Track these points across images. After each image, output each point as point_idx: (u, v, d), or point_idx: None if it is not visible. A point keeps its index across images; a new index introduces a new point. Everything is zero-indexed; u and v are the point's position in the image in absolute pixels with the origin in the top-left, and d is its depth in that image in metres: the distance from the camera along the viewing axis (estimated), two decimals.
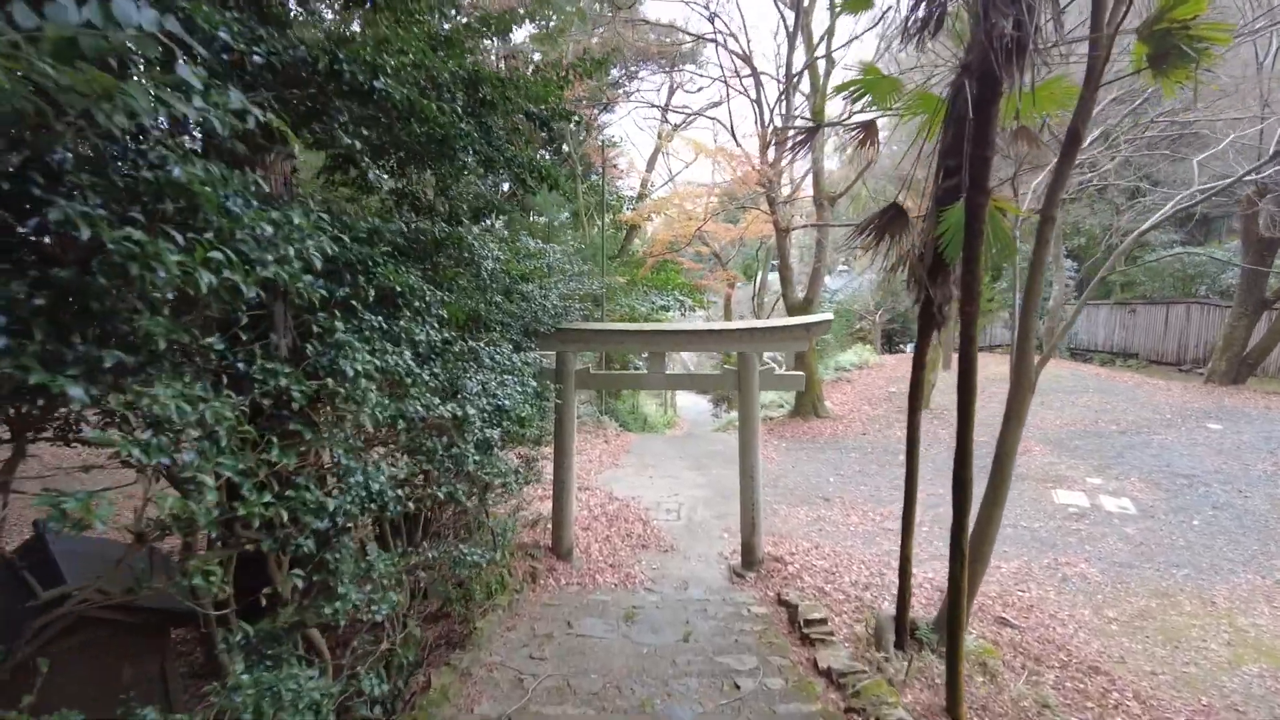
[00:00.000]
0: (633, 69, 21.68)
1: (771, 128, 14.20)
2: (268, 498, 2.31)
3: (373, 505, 2.91)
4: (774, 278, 34.54)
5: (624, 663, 5.62)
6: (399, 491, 3.08)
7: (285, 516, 2.35)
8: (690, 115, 21.12)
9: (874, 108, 6.25)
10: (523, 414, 5.18)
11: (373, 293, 3.21)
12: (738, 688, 5.13)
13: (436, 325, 3.64)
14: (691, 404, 31.75)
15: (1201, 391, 16.68)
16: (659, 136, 21.42)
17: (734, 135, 15.45)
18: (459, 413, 3.60)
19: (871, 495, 11.20)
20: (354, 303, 3.07)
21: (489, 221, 5.63)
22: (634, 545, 9.36)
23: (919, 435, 6.09)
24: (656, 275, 20.58)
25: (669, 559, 9.00)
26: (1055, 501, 10.76)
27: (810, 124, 13.38)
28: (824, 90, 14.00)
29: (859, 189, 21.50)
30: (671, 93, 22.55)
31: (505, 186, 7.00)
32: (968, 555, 5.37)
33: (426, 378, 3.29)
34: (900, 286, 31.49)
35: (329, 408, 2.69)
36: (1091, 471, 11.81)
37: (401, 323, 3.30)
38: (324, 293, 2.77)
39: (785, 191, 15.02)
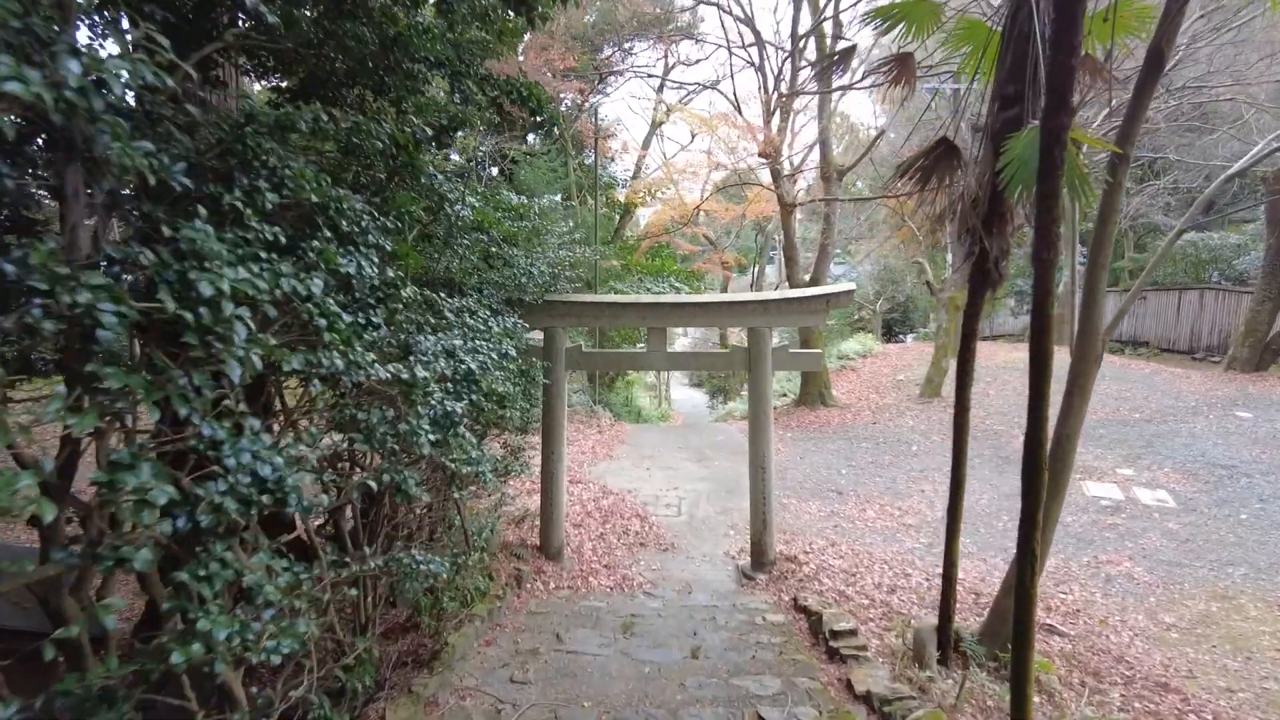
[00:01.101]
0: (627, 45, 20.73)
1: (776, 95, 13.30)
2: (27, 480, 1.42)
3: (264, 498, 2.01)
4: (771, 270, 33.72)
5: (623, 687, 4.74)
6: (309, 478, 2.19)
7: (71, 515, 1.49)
8: (690, 90, 20.17)
9: (911, 39, 5.39)
10: (499, 388, 4.28)
11: (274, 198, 2.29)
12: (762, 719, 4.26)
13: (377, 261, 2.74)
14: (686, 397, 30.87)
15: (1223, 379, 15.92)
16: (655, 108, 20.45)
17: (738, 106, 14.52)
18: (404, 375, 2.70)
19: (888, 488, 10.35)
20: (242, 206, 2.15)
21: (462, 183, 4.66)
22: (631, 543, 8.48)
23: (968, 419, 5.22)
24: (651, 261, 19.67)
25: (670, 559, 8.13)
26: (1086, 494, 9.94)
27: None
28: (831, 57, 13.09)
29: (853, 181, 20.68)
30: (668, 70, 21.59)
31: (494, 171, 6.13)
32: (1039, 557, 4.51)
33: (348, 322, 2.35)
34: (900, 275, 30.74)
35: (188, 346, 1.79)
36: (1121, 462, 10.99)
37: (316, 243, 2.39)
38: (187, 183, 1.87)
39: (789, 165, 14.14)
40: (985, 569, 7.83)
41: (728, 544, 8.52)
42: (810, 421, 13.97)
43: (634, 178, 21.15)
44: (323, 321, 2.26)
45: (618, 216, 22.08)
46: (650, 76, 19.72)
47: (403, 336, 3.12)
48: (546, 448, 7.50)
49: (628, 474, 11.13)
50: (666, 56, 20.39)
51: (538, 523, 7.87)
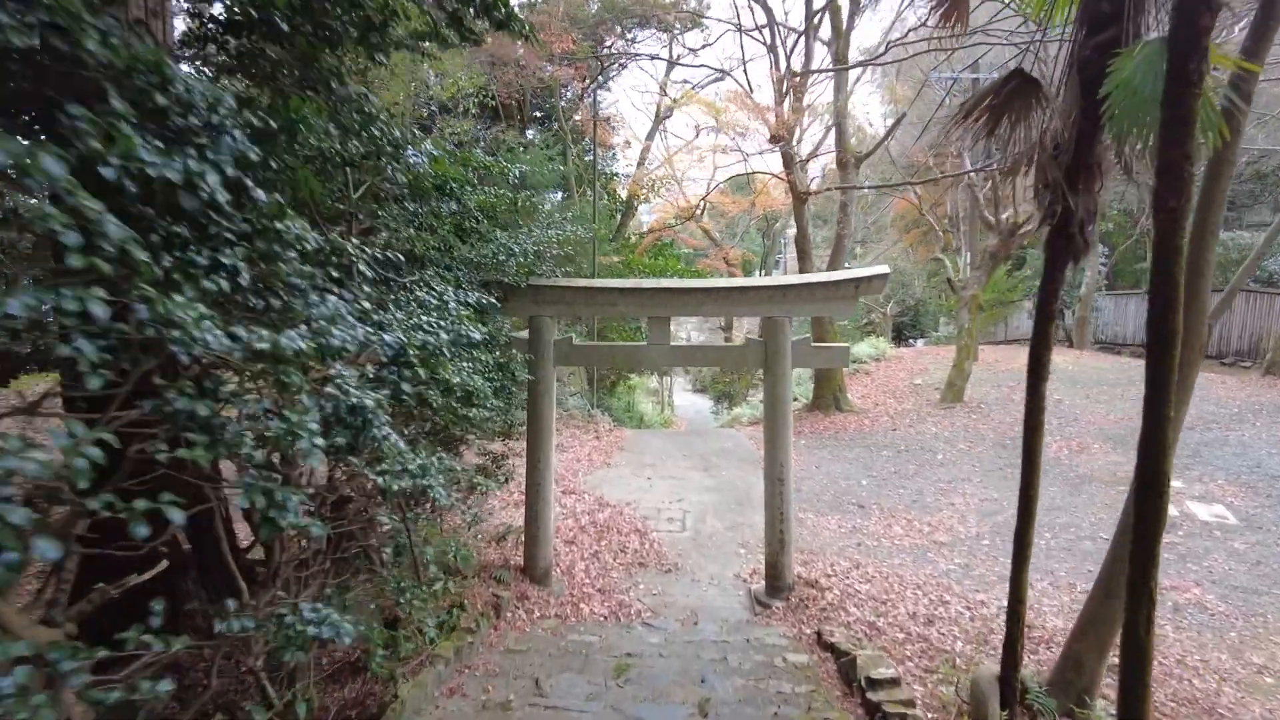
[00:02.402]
0: (630, 35, 19.86)
1: (788, 74, 12.36)
2: None
3: None
4: (777, 275, 32.75)
5: None
6: (28, 512, 1.24)
7: None
8: (694, 85, 19.28)
9: None
10: (457, 380, 3.34)
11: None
12: None
13: (236, 174, 1.81)
14: (689, 403, 29.88)
15: (1262, 384, 14.94)
16: (659, 98, 19.54)
17: (749, 88, 13.53)
18: (261, 344, 1.75)
19: (914, 501, 9.36)
20: None
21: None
22: (629, 563, 7.52)
23: (1043, 422, 4.25)
24: (654, 260, 18.76)
25: (673, 581, 7.17)
26: None
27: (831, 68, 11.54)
28: (846, 35, 12.19)
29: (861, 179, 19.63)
30: (672, 64, 20.72)
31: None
32: (1135, 592, 3.52)
33: (131, 241, 1.41)
34: (909, 278, 29.73)
35: None
36: None
37: (77, 109, 1.47)
38: None
39: (802, 152, 13.20)
40: (1034, 596, 6.82)
41: (738, 564, 7.55)
42: (825, 427, 12.99)
43: (638, 166, 20.20)
44: (74, 237, 1.33)
45: (618, 215, 21.16)
46: (655, 59, 18.81)
47: (280, 295, 2.17)
48: (532, 455, 6.55)
49: (627, 483, 10.16)
50: (671, 45, 19.53)
51: (523, 540, 6.92)
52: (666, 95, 20.56)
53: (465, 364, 4.22)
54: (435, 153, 3.79)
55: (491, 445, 6.69)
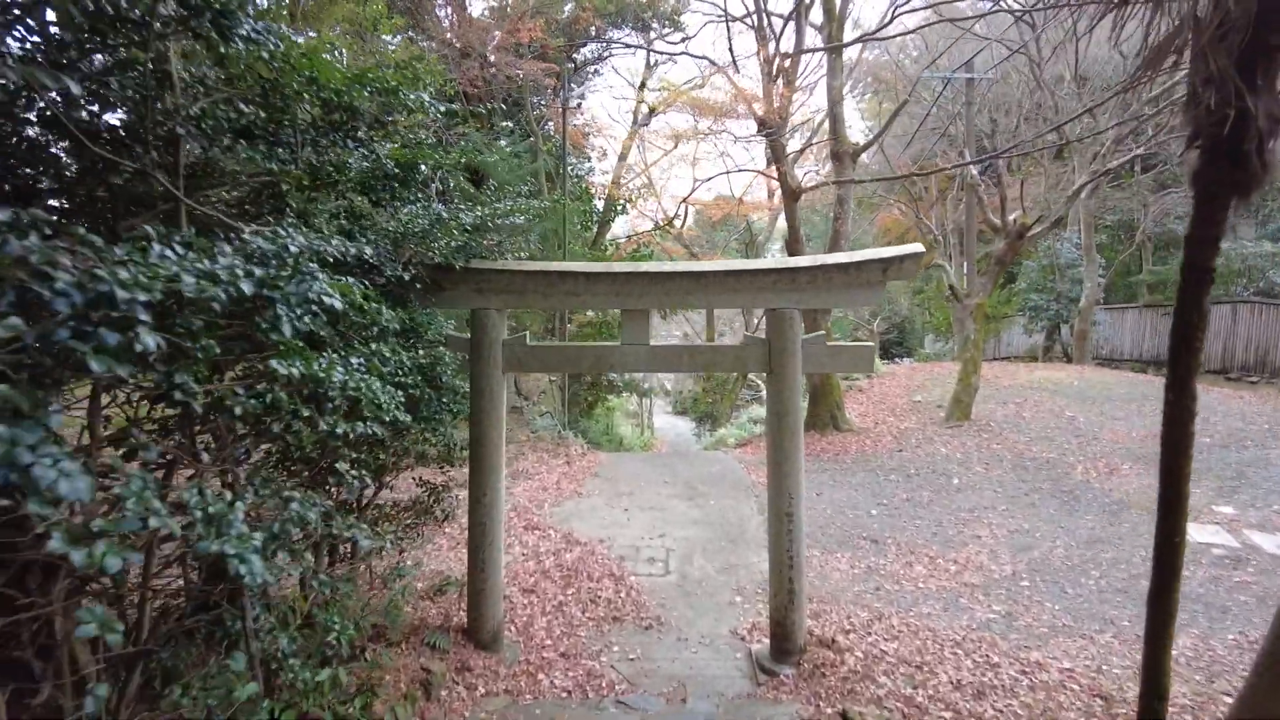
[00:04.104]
0: (606, 36, 18.81)
1: (777, 55, 11.23)
2: None
3: None
4: None
5: None
6: None
7: None
8: (679, 81, 18.22)
9: None
10: (291, 370, 2.01)
11: None
12: None
13: None
14: (668, 425, 28.56)
15: None
16: (639, 93, 18.43)
17: (733, 62, 12.42)
18: None
19: (934, 534, 8.07)
20: None
21: None
22: (600, 617, 6.15)
23: (1191, 435, 2.94)
24: None
25: (655, 641, 5.81)
26: (1189, 539, 7.68)
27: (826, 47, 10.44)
28: (840, 17, 11.14)
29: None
30: (652, 64, 19.72)
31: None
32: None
33: None
34: (895, 294, 28.69)
35: None
36: (1215, 497, 8.81)
37: None
38: None
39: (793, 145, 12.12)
40: (1097, 653, 5.57)
41: (733, 618, 6.19)
42: (823, 449, 11.69)
43: (619, 162, 19.00)
44: None
45: (594, 228, 19.94)
46: (634, 49, 17.76)
47: None
48: (475, 488, 5.16)
49: (600, 516, 8.78)
50: (650, 45, 18.51)
51: (466, 594, 5.51)
52: (644, 102, 19.50)
53: (356, 360, 2.89)
54: (293, 34, 2.51)
55: (427, 473, 5.33)
